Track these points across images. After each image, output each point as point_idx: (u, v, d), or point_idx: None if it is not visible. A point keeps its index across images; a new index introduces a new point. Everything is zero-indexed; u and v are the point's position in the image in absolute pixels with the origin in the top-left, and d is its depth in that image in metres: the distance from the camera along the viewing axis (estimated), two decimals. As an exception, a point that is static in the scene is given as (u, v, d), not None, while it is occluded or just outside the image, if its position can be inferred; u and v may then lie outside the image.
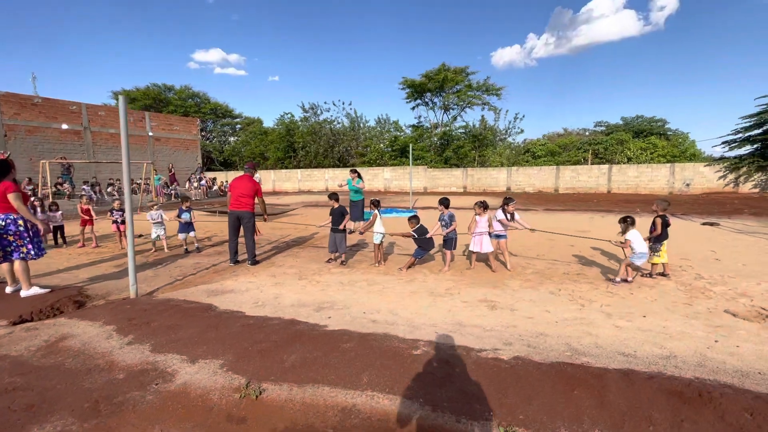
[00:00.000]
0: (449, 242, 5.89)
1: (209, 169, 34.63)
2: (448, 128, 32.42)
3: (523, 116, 43.97)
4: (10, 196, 4.45)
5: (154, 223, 7.47)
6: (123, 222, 7.60)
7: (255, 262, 6.45)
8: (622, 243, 5.17)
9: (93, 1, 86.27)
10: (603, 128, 38.19)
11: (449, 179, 26.96)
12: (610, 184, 22.54)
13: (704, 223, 10.09)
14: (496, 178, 25.59)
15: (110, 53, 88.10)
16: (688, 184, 20.55)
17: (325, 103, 44.32)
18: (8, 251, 4.61)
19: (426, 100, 33.27)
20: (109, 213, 8.38)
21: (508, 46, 79.65)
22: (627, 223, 5.11)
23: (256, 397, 2.51)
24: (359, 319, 3.90)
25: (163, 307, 4.21)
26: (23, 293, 4.64)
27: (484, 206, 5.80)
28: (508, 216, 5.91)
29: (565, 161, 29.28)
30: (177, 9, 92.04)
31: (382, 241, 6.24)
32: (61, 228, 8.36)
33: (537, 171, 24.78)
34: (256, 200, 6.47)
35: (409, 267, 5.94)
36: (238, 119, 42.77)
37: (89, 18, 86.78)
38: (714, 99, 72.30)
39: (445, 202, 5.98)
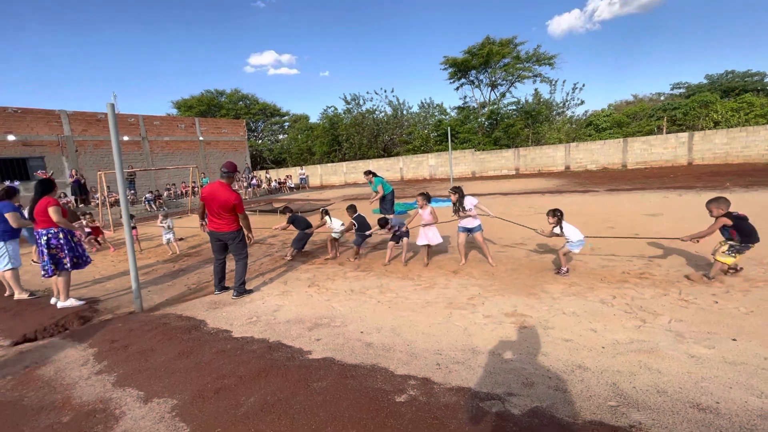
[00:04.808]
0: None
1: (262, 168, 36.01)
2: (496, 106, 30.30)
3: (583, 85, 40.05)
4: (50, 210, 4.60)
5: (163, 228, 7.91)
6: (134, 228, 7.99)
7: (243, 292, 4.88)
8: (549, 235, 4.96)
9: (155, 20, 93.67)
10: (682, 90, 33.44)
11: (499, 161, 25.12)
12: (691, 154, 19.40)
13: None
14: (553, 157, 23.30)
15: (173, 67, 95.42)
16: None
17: (368, 92, 43.97)
18: (56, 263, 4.72)
19: (471, 78, 31.34)
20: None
21: (566, 12, 72.54)
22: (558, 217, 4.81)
23: (187, 461, 2.03)
24: (352, 342, 3.30)
25: (152, 325, 3.96)
26: (60, 304, 4.78)
27: (426, 197, 5.62)
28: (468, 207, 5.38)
29: (635, 132, 26.04)
30: (232, 17, 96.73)
31: (338, 238, 6.68)
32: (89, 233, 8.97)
33: (600, 145, 22.10)
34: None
35: (357, 255, 6.38)
36: (286, 117, 43.91)
37: (153, 35, 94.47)
38: (830, 41, 59.93)
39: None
